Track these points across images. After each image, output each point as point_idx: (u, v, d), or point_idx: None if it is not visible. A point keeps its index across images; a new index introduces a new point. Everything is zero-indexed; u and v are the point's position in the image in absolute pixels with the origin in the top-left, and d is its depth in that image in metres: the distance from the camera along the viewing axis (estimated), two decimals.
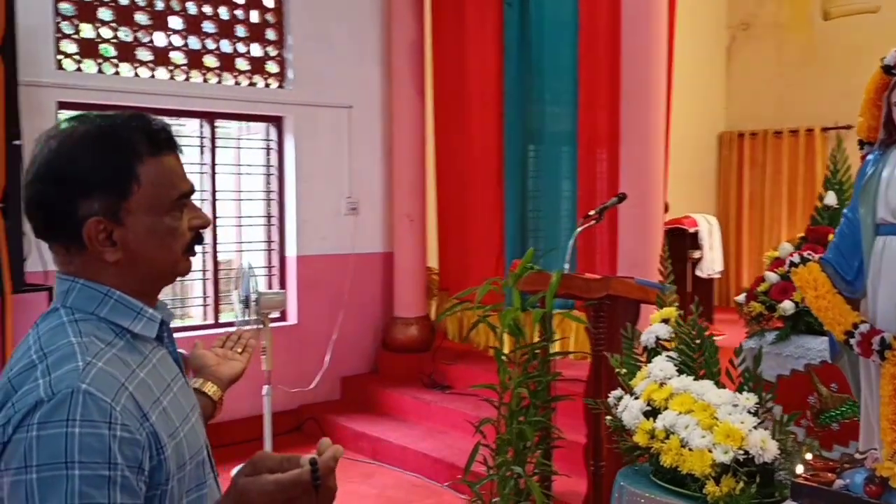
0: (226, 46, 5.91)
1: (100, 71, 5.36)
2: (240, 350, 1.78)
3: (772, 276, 2.78)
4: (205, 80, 5.80)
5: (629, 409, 2.11)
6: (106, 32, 5.37)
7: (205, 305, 6.02)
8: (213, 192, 5.87)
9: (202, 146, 5.88)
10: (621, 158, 4.91)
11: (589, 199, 5.48)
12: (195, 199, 1.36)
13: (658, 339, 2.27)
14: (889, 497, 1.93)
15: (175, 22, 5.67)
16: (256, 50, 6.06)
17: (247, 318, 5.13)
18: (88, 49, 5.30)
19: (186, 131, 5.97)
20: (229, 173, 6.18)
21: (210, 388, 1.64)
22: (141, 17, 5.52)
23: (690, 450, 1.91)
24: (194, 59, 5.75)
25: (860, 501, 1.90)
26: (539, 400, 3.59)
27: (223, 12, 5.89)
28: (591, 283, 3.61)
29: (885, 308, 2.15)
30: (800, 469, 1.79)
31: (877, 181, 2.22)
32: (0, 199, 4.43)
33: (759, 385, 2.07)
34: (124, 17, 5.43)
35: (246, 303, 5.14)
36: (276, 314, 5.93)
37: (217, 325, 5.88)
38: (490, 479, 3.59)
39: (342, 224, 6.40)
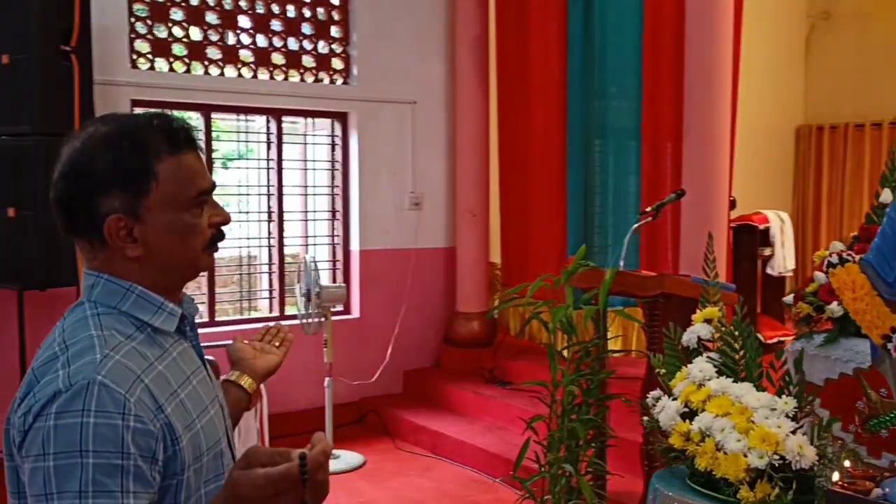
0: (292, 44, 6.03)
1: (171, 69, 5.53)
2: (277, 344, 1.82)
3: (821, 277, 2.69)
4: (271, 78, 5.92)
5: (666, 410, 2.07)
6: (177, 32, 5.55)
7: (270, 298, 6.16)
8: (280, 187, 5.99)
9: (269, 142, 6.01)
10: (684, 154, 4.82)
11: (653, 194, 5.37)
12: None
13: (700, 339, 2.22)
14: None
15: (244, 21, 5.81)
16: (322, 47, 6.15)
17: (309, 311, 5.24)
18: (161, 48, 5.48)
19: (254, 128, 6.12)
20: (297, 168, 6.31)
21: (245, 381, 1.68)
22: (211, 17, 5.67)
23: (725, 453, 1.87)
24: (262, 57, 5.88)
25: None
26: (591, 398, 3.57)
27: (290, 10, 6.00)
28: (645, 281, 3.56)
29: None
30: (836, 476, 1.73)
31: None
32: None
33: (801, 388, 2.00)
34: (195, 16, 5.59)
35: (308, 296, 5.25)
36: (338, 307, 6.04)
37: (283, 317, 5.99)
38: (541, 475, 3.58)
39: (405, 219, 6.45)
